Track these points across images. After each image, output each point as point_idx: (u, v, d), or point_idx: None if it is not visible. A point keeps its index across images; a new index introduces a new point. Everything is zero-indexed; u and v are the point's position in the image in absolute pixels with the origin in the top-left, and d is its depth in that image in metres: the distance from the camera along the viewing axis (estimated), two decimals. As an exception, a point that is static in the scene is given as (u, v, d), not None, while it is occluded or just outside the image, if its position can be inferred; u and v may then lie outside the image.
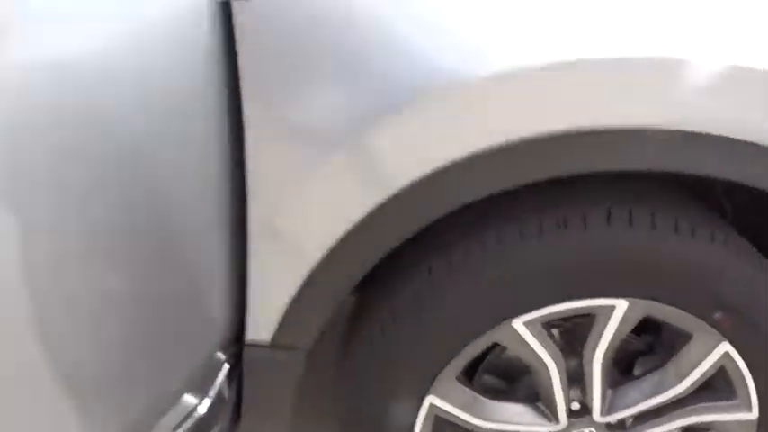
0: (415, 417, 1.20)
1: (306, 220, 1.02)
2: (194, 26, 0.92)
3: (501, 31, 0.95)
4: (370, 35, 0.93)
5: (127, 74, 0.87)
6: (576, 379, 1.19)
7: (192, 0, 0.90)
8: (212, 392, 1.14)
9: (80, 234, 0.88)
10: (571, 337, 1.20)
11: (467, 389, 1.20)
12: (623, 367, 1.25)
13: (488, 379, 1.28)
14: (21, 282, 0.84)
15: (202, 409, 1.13)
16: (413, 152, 0.97)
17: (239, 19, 0.93)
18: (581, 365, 1.18)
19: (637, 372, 1.25)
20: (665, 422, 1.23)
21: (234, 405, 1.20)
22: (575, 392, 1.21)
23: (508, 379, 1.28)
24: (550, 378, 1.17)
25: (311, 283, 1.05)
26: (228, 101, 0.96)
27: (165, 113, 0.92)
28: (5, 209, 0.80)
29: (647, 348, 1.26)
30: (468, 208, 1.03)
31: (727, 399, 1.20)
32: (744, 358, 1.15)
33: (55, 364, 0.91)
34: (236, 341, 1.15)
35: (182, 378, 1.09)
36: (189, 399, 1.11)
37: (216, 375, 1.14)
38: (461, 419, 1.21)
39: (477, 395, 1.21)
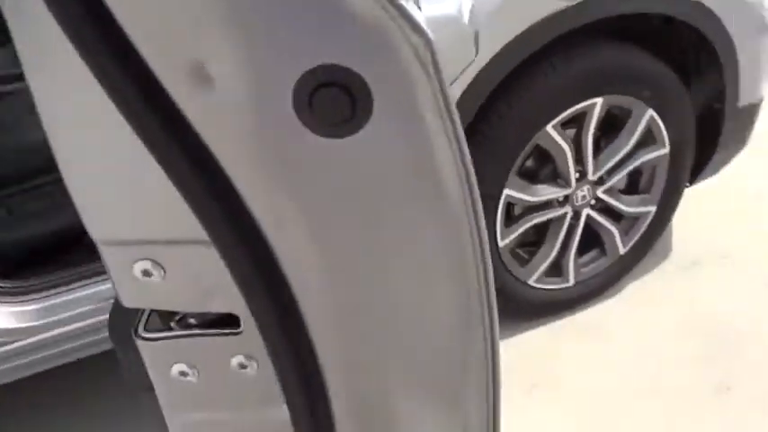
0: (498, 203, 1.96)
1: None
2: None
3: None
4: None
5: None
6: (577, 158, 2.03)
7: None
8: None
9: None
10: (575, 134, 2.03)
11: (522, 181, 1.99)
12: (596, 146, 2.10)
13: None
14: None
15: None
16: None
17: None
18: (580, 147, 2.01)
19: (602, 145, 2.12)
20: (620, 172, 2.11)
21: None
22: (576, 167, 2.05)
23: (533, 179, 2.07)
24: (566, 158, 1.99)
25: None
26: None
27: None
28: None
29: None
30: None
31: (653, 144, 2.11)
32: (661, 117, 2.04)
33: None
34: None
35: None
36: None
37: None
38: (522, 200, 2.00)
39: (528, 183, 2.00)
